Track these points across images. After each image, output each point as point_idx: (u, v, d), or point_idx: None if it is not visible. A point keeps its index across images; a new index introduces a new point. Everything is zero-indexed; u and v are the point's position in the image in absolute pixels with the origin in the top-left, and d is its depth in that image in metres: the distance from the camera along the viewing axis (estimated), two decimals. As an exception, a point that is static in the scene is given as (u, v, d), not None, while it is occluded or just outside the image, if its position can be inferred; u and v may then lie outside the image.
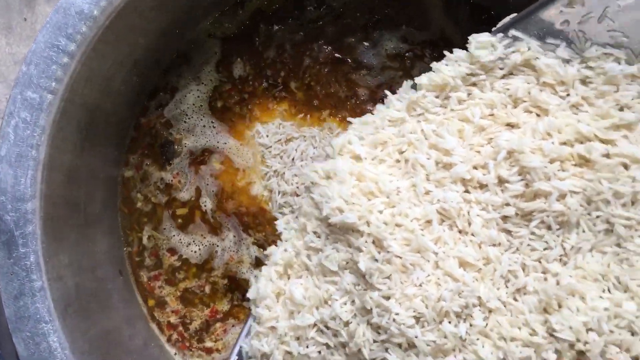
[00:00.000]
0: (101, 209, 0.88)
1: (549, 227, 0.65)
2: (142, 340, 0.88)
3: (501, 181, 0.66)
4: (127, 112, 0.92)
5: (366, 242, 0.67)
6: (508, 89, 0.70)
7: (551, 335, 0.62)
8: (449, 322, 0.64)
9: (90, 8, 0.74)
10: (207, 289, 0.92)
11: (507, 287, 0.65)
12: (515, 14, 0.72)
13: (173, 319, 0.92)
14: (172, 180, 0.93)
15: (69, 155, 0.79)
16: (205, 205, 0.93)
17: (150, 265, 0.93)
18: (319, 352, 0.71)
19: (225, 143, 0.93)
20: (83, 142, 0.81)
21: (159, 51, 0.90)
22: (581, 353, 0.62)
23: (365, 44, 0.93)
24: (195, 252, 0.92)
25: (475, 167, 0.68)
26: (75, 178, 0.81)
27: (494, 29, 0.73)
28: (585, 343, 0.61)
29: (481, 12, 0.92)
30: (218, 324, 0.92)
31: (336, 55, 0.93)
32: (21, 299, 0.73)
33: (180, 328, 0.92)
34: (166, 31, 0.87)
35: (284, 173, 0.90)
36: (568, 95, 0.69)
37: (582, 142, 0.65)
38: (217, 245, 0.92)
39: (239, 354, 0.78)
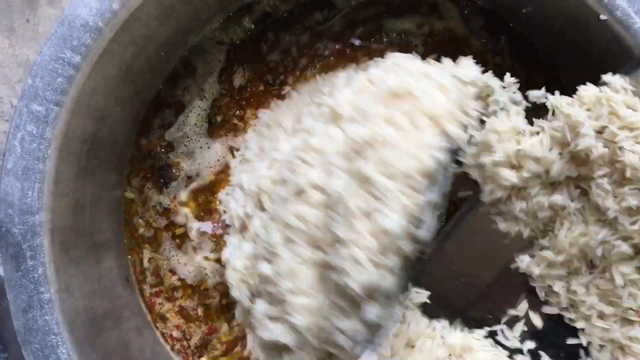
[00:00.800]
0: (107, 221, 0.89)
1: None
2: (150, 350, 0.89)
3: None
4: (130, 126, 0.91)
5: None
6: None
7: None
8: None
9: (95, 20, 0.73)
10: (200, 311, 0.93)
11: None
12: None
13: (175, 333, 0.93)
14: (169, 205, 0.93)
15: (75, 167, 0.79)
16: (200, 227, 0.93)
17: (152, 282, 0.94)
18: None
19: (217, 160, 0.93)
20: (88, 153, 0.81)
21: (164, 60, 0.89)
22: None
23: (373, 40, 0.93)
24: (190, 272, 0.93)
25: None
26: (81, 191, 0.81)
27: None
28: None
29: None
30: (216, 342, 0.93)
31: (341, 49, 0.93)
32: (30, 311, 0.73)
33: (184, 342, 0.93)
34: (171, 40, 0.86)
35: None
36: None
37: None
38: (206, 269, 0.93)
39: None
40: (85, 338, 0.77)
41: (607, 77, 0.68)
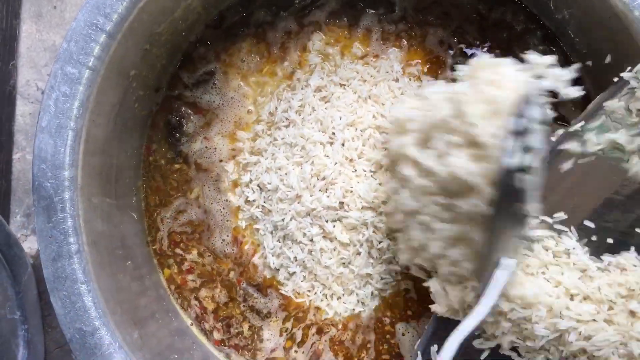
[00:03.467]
0: (130, 183, 0.94)
1: None
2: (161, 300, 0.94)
3: None
4: (154, 95, 0.97)
5: None
6: None
7: None
8: None
9: (127, -12, 0.79)
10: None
11: None
12: None
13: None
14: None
15: (104, 129, 0.84)
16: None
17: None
18: None
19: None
20: (115, 118, 0.86)
21: (188, 28, 0.96)
22: None
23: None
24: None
25: None
26: (108, 152, 0.87)
27: None
28: None
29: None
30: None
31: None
32: (59, 260, 0.78)
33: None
34: (196, 7, 0.92)
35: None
36: None
37: None
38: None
39: None
40: (108, 289, 0.81)
41: None
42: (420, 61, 0.97)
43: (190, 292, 0.98)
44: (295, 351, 0.96)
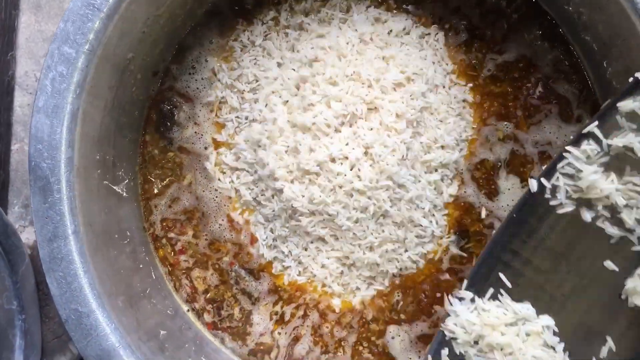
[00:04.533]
0: (126, 165, 0.94)
1: None
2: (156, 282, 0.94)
3: None
4: (152, 76, 0.97)
5: None
6: None
7: None
8: None
9: (124, -30, 0.80)
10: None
11: None
12: None
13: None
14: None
15: (100, 111, 0.84)
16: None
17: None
18: None
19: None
20: (113, 101, 0.86)
21: (188, 12, 0.96)
22: None
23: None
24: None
25: None
26: (105, 136, 0.87)
27: None
28: None
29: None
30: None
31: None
32: (55, 241, 0.78)
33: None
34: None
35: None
36: None
37: None
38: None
39: None
40: (104, 269, 0.81)
41: None
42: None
43: (182, 272, 0.98)
44: (279, 333, 0.96)
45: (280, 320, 0.96)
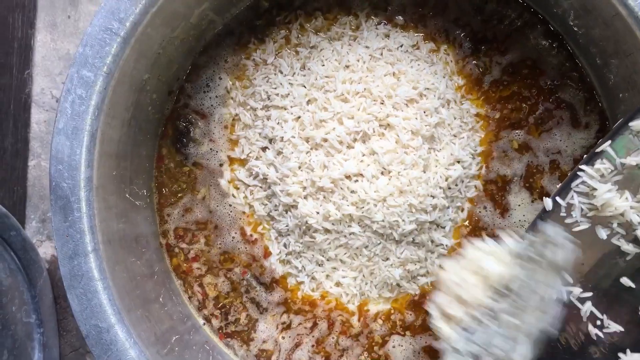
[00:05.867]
0: (144, 183, 0.96)
1: None
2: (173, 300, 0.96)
3: None
4: (167, 96, 0.99)
5: None
6: None
7: None
8: None
9: (141, -5, 0.82)
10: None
11: None
12: None
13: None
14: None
15: (118, 131, 0.86)
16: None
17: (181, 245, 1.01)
18: None
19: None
20: (130, 120, 0.89)
21: (202, 32, 0.99)
22: None
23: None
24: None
25: None
26: (122, 153, 0.89)
27: None
28: None
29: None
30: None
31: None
32: (75, 259, 0.80)
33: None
34: (208, 14, 0.95)
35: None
36: None
37: None
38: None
39: None
40: (123, 286, 0.83)
41: None
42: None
43: (195, 279, 1.00)
44: (283, 337, 0.97)
45: (287, 328, 0.97)
